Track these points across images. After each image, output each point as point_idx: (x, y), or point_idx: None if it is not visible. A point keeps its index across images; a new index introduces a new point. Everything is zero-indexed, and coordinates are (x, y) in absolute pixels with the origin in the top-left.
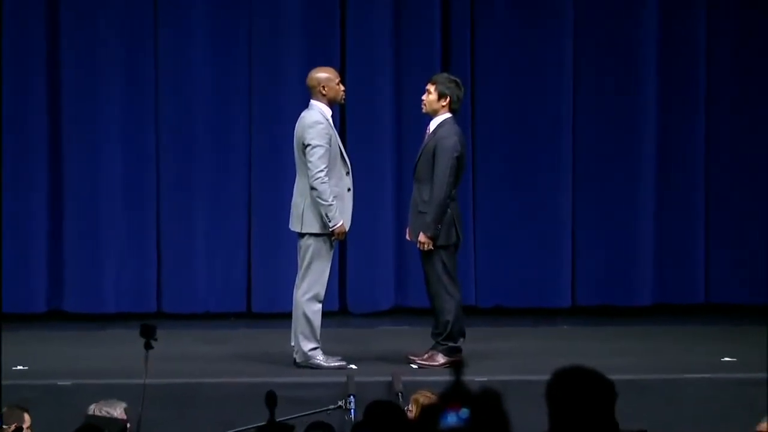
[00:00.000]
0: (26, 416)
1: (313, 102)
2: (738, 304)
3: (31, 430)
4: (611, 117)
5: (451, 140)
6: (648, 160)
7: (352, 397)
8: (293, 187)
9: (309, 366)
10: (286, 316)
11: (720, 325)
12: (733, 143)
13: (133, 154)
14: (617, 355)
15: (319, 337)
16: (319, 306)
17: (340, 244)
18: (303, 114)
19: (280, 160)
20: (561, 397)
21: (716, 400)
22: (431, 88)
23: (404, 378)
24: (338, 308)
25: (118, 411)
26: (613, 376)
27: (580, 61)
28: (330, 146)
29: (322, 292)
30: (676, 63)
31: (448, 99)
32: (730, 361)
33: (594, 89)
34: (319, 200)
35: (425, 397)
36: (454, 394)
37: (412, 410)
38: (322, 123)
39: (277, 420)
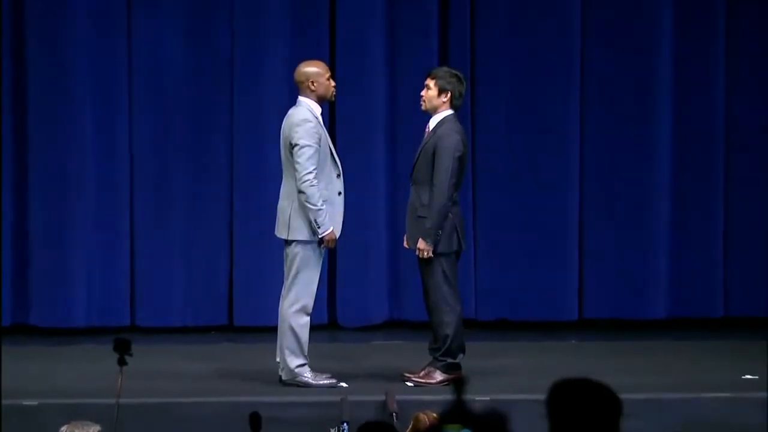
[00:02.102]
0: None
1: (301, 99)
2: (760, 318)
3: None
4: (623, 113)
5: (453, 139)
6: (663, 160)
7: (345, 425)
8: (279, 191)
9: (296, 384)
10: (271, 330)
11: (740, 340)
12: (757, 144)
13: (104, 154)
14: (629, 372)
15: (306, 353)
16: (307, 319)
17: (329, 252)
18: (290, 111)
19: (265, 161)
20: (562, 410)
21: (736, 421)
22: (431, 83)
23: (399, 397)
24: (327, 321)
25: None
26: (624, 395)
27: (589, 53)
28: (319, 146)
29: (311, 304)
30: (693, 53)
31: (449, 94)
32: (752, 380)
33: (604, 82)
34: (308, 204)
35: (428, 416)
36: (455, 413)
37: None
38: (311, 121)
39: None
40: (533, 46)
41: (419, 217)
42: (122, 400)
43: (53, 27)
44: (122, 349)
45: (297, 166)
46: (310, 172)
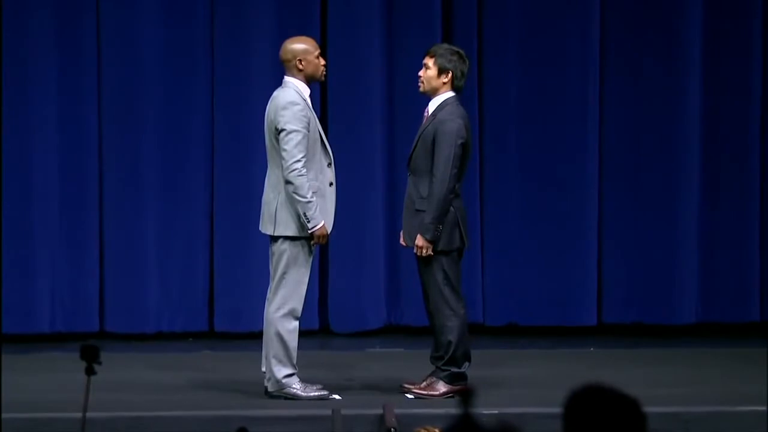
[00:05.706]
0: None
1: (287, 79)
2: None
3: None
4: (647, 98)
5: (455, 123)
6: (691, 150)
7: None
8: (264, 182)
9: (283, 396)
10: (255, 337)
11: None
12: None
13: (70, 142)
14: (654, 383)
15: (295, 362)
16: (296, 324)
17: (320, 249)
18: (275, 93)
19: (248, 149)
20: (580, 423)
21: None
22: (430, 61)
23: (398, 411)
24: (319, 327)
25: None
26: (649, 409)
27: (609, 31)
28: (308, 132)
29: (300, 308)
30: (725, 33)
31: (450, 74)
32: None
33: (626, 65)
34: (296, 196)
35: None
36: (461, 429)
37: None
38: (298, 104)
39: None
40: (547, 19)
41: (417, 210)
42: (89, 415)
43: (14, 4)
44: (90, 357)
45: (283, 153)
46: (299, 161)
